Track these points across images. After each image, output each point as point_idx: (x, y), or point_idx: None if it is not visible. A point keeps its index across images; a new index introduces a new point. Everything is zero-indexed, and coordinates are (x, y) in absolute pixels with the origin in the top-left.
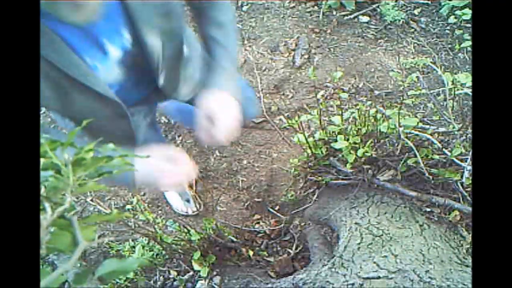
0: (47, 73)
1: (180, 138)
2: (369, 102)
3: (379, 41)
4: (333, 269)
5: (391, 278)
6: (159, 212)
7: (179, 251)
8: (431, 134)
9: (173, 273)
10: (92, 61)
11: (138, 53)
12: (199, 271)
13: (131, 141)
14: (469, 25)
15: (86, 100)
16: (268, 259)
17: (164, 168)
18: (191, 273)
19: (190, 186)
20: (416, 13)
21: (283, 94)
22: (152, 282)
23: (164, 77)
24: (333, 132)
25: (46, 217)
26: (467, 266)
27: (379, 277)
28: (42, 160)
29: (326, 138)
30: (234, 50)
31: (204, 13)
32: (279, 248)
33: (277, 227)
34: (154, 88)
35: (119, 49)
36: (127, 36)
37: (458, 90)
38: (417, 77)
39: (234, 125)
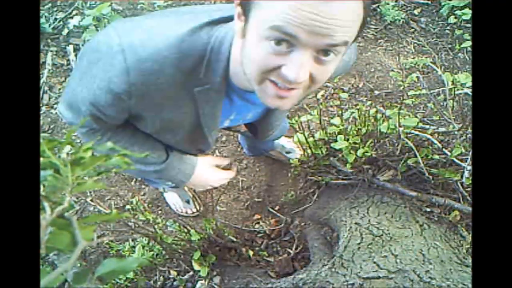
0: (184, 113)
1: None
2: (369, 102)
3: (379, 41)
4: (333, 269)
5: (391, 278)
6: (159, 212)
7: (179, 251)
8: (431, 134)
9: (173, 273)
10: (227, 119)
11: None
12: (199, 271)
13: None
14: (469, 25)
15: (189, 136)
16: (268, 259)
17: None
18: (191, 273)
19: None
20: (416, 13)
21: None
22: (152, 282)
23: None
24: (333, 132)
25: (46, 216)
26: (467, 266)
27: (379, 277)
28: (40, 160)
29: (326, 138)
30: None
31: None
32: (279, 248)
33: (277, 227)
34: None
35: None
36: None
37: (458, 90)
38: (417, 77)
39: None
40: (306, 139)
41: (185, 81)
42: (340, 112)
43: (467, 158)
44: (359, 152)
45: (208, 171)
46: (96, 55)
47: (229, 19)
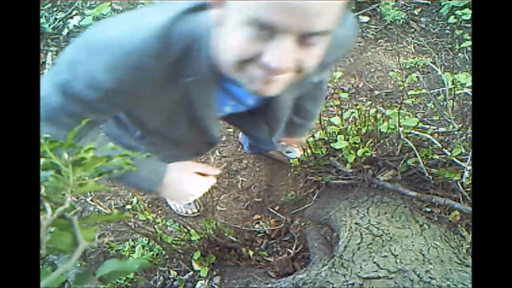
0: (176, 103)
1: None
2: (369, 102)
3: (379, 41)
4: (333, 269)
5: (391, 278)
6: (159, 212)
7: (179, 251)
8: (431, 134)
9: (173, 273)
10: (226, 105)
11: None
12: (199, 271)
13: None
14: (469, 25)
15: (190, 128)
16: (268, 259)
17: (195, 180)
18: (191, 273)
19: None
20: (416, 13)
21: None
22: (152, 282)
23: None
24: (333, 132)
25: (46, 217)
26: (467, 266)
27: (379, 277)
28: (42, 160)
29: (326, 138)
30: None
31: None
32: (279, 248)
33: (277, 227)
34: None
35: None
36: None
37: (458, 90)
38: (417, 77)
39: None
40: (306, 139)
41: (173, 71)
42: (340, 112)
43: (467, 158)
44: (359, 152)
45: (184, 179)
46: (80, 53)
47: None
